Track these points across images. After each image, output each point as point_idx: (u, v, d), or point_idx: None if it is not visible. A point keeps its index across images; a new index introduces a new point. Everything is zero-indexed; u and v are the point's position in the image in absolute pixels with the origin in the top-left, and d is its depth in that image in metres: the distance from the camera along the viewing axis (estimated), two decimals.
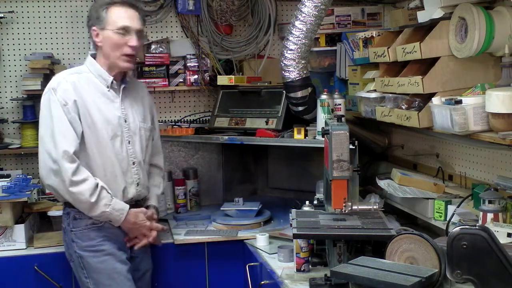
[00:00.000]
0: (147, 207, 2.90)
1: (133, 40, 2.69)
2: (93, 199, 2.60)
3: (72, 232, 2.71)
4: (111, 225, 2.73)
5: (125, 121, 2.76)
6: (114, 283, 2.68)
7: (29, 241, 3.09)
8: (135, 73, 3.71)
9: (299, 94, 3.15)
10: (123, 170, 2.74)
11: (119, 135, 2.73)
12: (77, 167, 2.58)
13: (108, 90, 2.74)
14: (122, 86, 2.79)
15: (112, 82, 2.74)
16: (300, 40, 3.01)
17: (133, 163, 2.78)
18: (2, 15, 3.58)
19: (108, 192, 2.65)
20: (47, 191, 3.40)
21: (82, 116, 2.64)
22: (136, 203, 2.83)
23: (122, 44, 2.69)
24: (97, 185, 2.62)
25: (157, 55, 3.77)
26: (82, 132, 2.64)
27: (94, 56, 2.79)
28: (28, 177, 3.35)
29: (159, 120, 3.87)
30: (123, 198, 2.75)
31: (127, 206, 2.71)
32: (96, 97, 2.70)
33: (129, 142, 2.76)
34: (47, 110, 2.66)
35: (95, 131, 2.67)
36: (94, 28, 2.73)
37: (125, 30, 2.69)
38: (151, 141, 2.93)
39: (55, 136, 2.60)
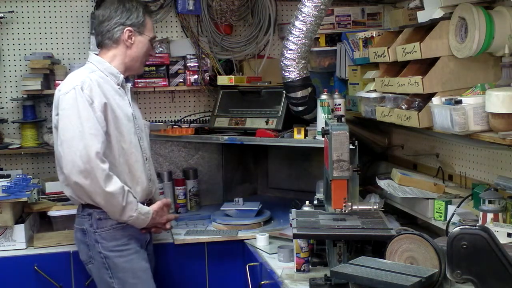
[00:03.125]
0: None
1: (154, 50, 2.91)
2: (124, 203, 2.59)
3: (97, 233, 2.67)
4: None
5: (135, 118, 2.78)
6: (140, 281, 2.68)
7: (29, 241, 3.08)
8: None
9: (299, 94, 3.14)
10: (142, 166, 2.75)
11: (135, 132, 2.75)
12: (109, 168, 2.56)
13: (119, 88, 2.74)
14: (129, 84, 2.83)
15: (122, 80, 2.76)
16: (300, 40, 3.01)
17: (146, 159, 2.80)
18: (2, 15, 3.58)
19: (134, 197, 2.65)
20: (47, 191, 3.40)
21: (109, 114, 2.62)
22: (150, 200, 2.85)
23: (149, 52, 2.85)
24: (124, 188, 2.60)
25: (157, 55, 3.77)
26: (107, 131, 2.62)
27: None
28: (28, 177, 3.35)
29: (159, 120, 3.91)
30: (145, 193, 2.76)
31: (151, 209, 2.74)
32: (113, 94, 2.69)
33: (140, 138, 2.78)
34: (74, 109, 2.57)
35: (119, 128, 2.66)
36: (130, 28, 2.74)
37: (154, 41, 2.88)
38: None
39: (85, 137, 2.53)
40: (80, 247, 2.76)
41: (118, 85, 2.74)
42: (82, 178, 2.53)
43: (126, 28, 2.73)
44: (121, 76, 2.75)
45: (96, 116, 2.57)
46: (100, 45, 2.79)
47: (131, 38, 2.75)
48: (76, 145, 2.53)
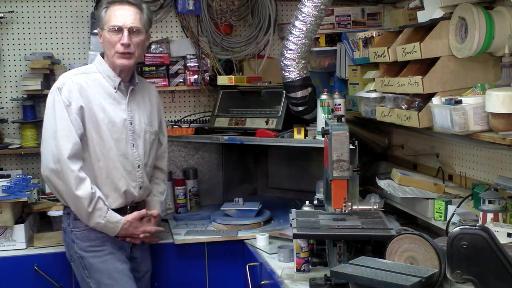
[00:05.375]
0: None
1: (123, 38, 2.66)
2: (90, 209, 2.59)
3: (73, 232, 2.71)
4: None
5: (131, 124, 2.74)
6: (115, 282, 2.68)
7: (29, 241, 3.08)
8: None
9: (299, 94, 3.15)
10: (126, 173, 2.72)
11: (123, 138, 2.71)
12: (78, 170, 2.57)
13: (115, 91, 2.71)
14: (130, 88, 2.78)
15: (119, 84, 2.72)
16: (300, 40, 3.01)
17: (138, 166, 2.77)
18: (2, 15, 3.58)
19: (105, 204, 2.64)
20: (47, 191, 3.40)
21: (87, 118, 2.63)
22: (136, 204, 2.82)
23: (115, 42, 2.68)
24: (94, 194, 2.60)
25: (157, 55, 3.77)
26: (85, 134, 2.62)
27: (102, 56, 2.77)
28: (28, 177, 3.35)
29: None
30: (125, 199, 2.74)
31: (122, 218, 2.70)
32: (102, 98, 2.67)
33: (133, 145, 2.74)
34: (51, 109, 2.63)
35: (99, 133, 2.65)
36: (98, 29, 2.75)
37: (117, 28, 2.67)
38: (155, 145, 2.91)
39: (57, 137, 2.58)
40: (64, 245, 2.81)
41: (115, 88, 2.71)
42: (54, 177, 2.59)
43: (98, 30, 2.76)
44: (117, 80, 2.71)
45: (71, 118, 2.59)
46: None
47: (101, 37, 2.74)
48: (50, 144, 2.59)
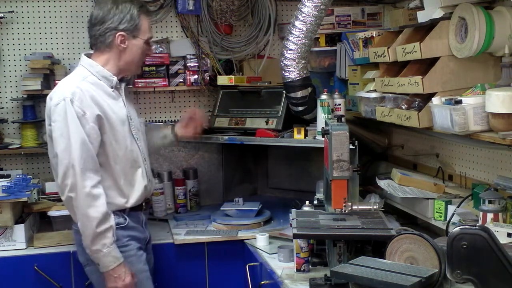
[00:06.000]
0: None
1: (151, 49, 2.82)
2: (98, 230, 2.49)
3: None
4: (134, 223, 2.70)
5: (131, 119, 2.74)
6: (138, 283, 2.64)
7: (29, 241, 3.08)
8: None
9: (299, 94, 3.14)
10: (139, 169, 2.71)
11: (130, 135, 2.71)
12: (92, 186, 2.50)
13: (113, 91, 2.69)
14: (123, 84, 2.77)
15: (116, 82, 2.70)
16: (300, 40, 3.01)
17: (144, 160, 2.77)
18: (2, 15, 3.58)
19: (113, 235, 2.55)
20: (47, 191, 3.41)
21: (105, 123, 2.58)
22: (147, 200, 2.83)
23: (146, 53, 2.77)
24: (108, 217, 2.52)
25: (157, 55, 3.76)
26: (102, 139, 2.57)
27: (88, 57, 2.71)
28: (28, 177, 3.35)
29: (158, 120, 3.90)
30: (143, 195, 2.73)
31: (122, 258, 2.57)
32: (106, 99, 2.64)
33: (137, 139, 2.74)
34: (64, 122, 2.52)
35: (115, 135, 2.62)
36: (122, 33, 2.63)
37: (150, 40, 2.77)
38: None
39: (72, 151, 2.49)
40: (78, 249, 2.73)
41: (112, 88, 2.69)
42: (70, 192, 2.50)
43: (119, 33, 2.63)
44: (115, 79, 2.69)
45: (87, 128, 2.52)
46: (93, 47, 2.71)
47: (124, 43, 2.65)
48: (64, 159, 2.51)
